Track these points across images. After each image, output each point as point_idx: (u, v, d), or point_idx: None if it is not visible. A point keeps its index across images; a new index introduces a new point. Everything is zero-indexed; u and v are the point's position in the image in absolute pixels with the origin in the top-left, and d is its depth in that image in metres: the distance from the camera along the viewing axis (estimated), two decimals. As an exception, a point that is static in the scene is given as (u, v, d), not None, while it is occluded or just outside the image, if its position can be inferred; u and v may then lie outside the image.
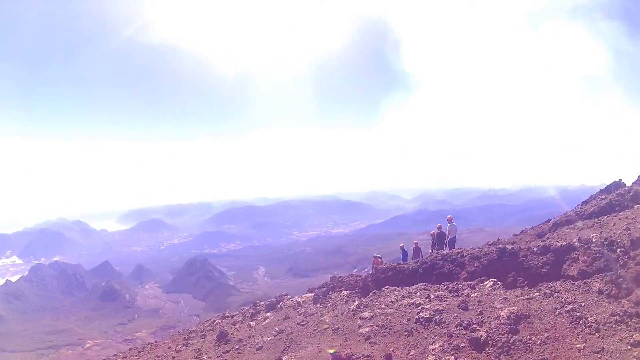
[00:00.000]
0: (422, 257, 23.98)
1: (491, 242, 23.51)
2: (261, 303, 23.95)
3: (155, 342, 24.54)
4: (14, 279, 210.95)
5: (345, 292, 19.45)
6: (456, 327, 12.40)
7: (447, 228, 23.68)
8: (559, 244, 14.88)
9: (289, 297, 22.76)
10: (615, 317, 11.33)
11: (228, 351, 16.53)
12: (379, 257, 26.51)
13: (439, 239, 23.80)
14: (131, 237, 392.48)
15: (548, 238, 19.05)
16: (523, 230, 24.96)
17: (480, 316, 12.67)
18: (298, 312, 18.42)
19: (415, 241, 26.26)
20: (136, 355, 21.02)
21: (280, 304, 21.15)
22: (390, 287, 17.70)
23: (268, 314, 20.17)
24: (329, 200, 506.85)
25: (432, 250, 23.60)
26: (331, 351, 11.82)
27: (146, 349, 22.28)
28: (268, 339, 16.39)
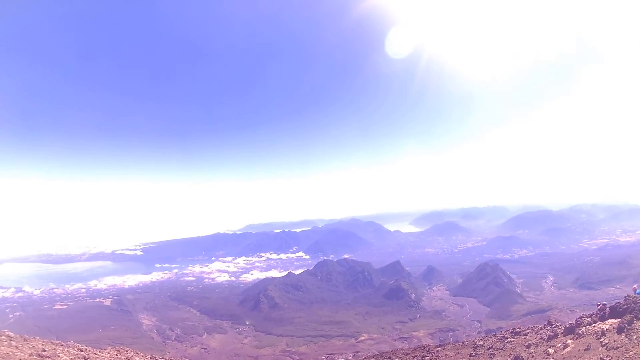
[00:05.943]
0: None
1: None
2: (559, 324, 23.67)
3: (440, 347, 25.65)
4: (297, 272, 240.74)
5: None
6: None
7: None
8: None
9: (589, 320, 21.86)
10: None
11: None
12: None
13: None
14: (425, 239, 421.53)
15: None
16: None
17: None
18: (601, 342, 18.04)
19: None
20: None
21: (582, 329, 20.58)
22: None
23: (568, 341, 20.11)
24: (619, 204, 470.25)
25: None
26: None
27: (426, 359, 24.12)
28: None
